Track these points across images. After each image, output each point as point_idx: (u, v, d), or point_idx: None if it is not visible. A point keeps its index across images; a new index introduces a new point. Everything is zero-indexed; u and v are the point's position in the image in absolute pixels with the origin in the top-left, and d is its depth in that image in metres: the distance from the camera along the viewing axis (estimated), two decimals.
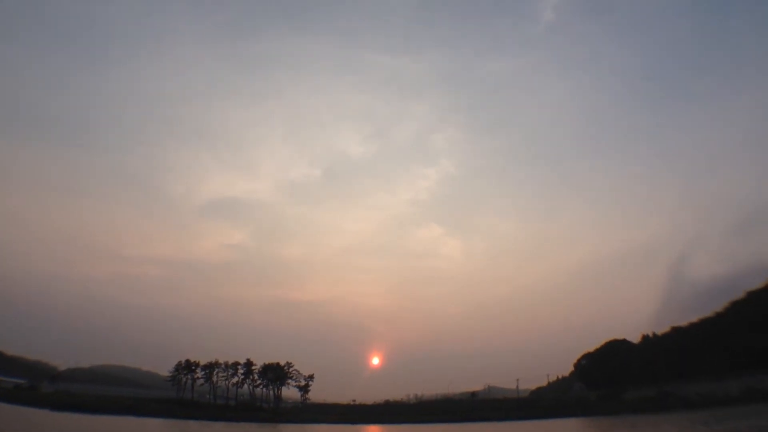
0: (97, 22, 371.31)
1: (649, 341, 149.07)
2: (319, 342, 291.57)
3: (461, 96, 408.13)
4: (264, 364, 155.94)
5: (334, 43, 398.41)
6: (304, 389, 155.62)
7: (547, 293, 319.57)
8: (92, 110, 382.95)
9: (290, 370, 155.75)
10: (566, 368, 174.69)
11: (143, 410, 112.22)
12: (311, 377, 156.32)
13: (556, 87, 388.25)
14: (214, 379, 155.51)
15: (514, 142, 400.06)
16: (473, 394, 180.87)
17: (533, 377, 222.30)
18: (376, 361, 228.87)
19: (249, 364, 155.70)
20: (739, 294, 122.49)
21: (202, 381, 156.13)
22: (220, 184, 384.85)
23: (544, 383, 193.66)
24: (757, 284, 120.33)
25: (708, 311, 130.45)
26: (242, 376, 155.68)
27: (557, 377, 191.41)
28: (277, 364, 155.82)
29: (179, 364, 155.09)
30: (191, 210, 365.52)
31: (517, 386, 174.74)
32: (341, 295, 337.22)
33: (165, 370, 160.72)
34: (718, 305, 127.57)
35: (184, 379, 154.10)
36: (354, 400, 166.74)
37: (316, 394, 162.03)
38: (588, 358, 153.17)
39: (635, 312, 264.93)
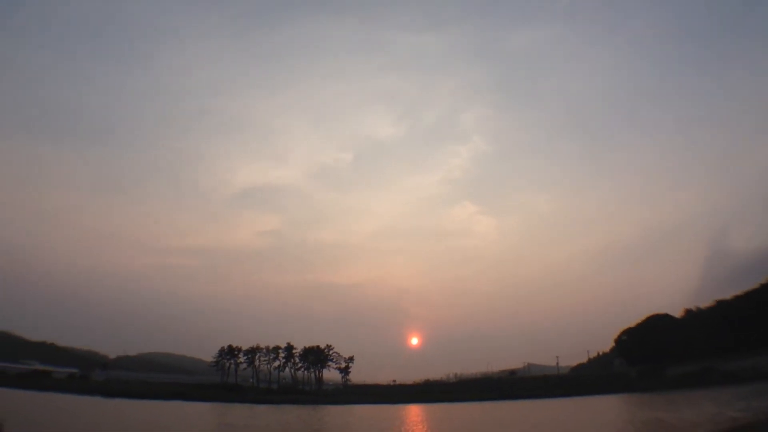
0: (118, 20, 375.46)
1: (692, 315, 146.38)
2: (357, 324, 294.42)
3: (490, 70, 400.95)
4: (304, 347, 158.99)
5: (355, 24, 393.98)
6: (345, 371, 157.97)
7: (585, 269, 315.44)
8: (119, 108, 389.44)
9: (330, 352, 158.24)
10: (607, 344, 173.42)
11: (189, 395, 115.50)
12: (351, 359, 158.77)
13: (589, 55, 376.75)
14: (257, 363, 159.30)
15: (546, 115, 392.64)
16: (512, 372, 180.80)
17: (573, 354, 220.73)
18: (414, 341, 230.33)
19: (289, 348, 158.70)
20: None
21: (244, 366, 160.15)
22: (250, 172, 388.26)
23: (584, 360, 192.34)
24: None
25: (751, 284, 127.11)
26: (283, 360, 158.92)
27: (597, 354, 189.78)
28: (317, 347, 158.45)
29: (222, 350, 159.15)
30: (224, 200, 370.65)
31: (557, 363, 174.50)
32: (377, 277, 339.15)
33: (209, 356, 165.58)
34: (762, 278, 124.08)
35: (227, 364, 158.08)
36: (394, 381, 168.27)
37: (357, 376, 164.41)
38: (629, 333, 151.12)
39: (677, 287, 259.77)
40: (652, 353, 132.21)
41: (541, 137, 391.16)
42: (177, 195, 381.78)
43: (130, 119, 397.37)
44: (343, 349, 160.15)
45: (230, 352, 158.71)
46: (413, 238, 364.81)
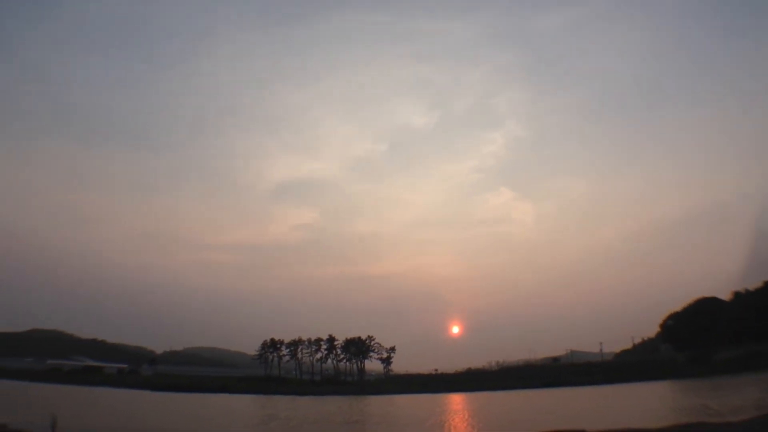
0: (150, 22, 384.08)
1: (741, 298, 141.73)
2: (397, 315, 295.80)
3: (520, 54, 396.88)
4: (346, 339, 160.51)
5: (383, 14, 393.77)
6: (387, 361, 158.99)
7: (627, 253, 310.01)
8: (154, 108, 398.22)
9: (371, 343, 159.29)
10: (652, 329, 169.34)
11: (234, 388, 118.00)
12: (393, 349, 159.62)
13: (621, 33, 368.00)
14: (299, 355, 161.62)
15: (581, 97, 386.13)
16: (555, 359, 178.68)
17: (617, 340, 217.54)
18: (455, 330, 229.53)
19: (331, 339, 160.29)
20: None
21: (287, 358, 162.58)
22: (286, 167, 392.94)
23: (628, 346, 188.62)
24: None
25: None
26: (325, 352, 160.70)
27: (642, 339, 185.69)
28: (359, 338, 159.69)
29: (265, 343, 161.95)
30: (261, 195, 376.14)
31: (601, 350, 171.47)
32: (415, 267, 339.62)
33: (252, 349, 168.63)
34: None
35: (270, 357, 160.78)
36: (436, 370, 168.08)
37: (399, 366, 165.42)
38: (675, 318, 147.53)
39: (723, 269, 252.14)
40: (700, 338, 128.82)
41: (578, 119, 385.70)
42: (214, 192, 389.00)
43: (165, 119, 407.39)
44: (384, 339, 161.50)
45: (273, 345, 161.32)
46: (450, 227, 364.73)
